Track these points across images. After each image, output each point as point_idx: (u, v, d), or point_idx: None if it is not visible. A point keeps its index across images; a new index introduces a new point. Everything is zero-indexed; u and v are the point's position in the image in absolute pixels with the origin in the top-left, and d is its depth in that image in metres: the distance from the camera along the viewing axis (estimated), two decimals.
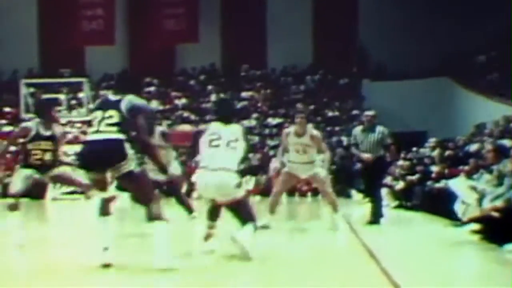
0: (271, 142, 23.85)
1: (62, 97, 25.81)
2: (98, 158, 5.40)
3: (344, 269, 5.83)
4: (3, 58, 27.84)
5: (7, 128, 25.33)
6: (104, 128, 5.41)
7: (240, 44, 27.93)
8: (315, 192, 21.27)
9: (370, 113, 10.73)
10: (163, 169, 5.88)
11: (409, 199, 14.35)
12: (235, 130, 6.59)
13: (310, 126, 9.71)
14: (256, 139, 23.99)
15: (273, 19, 27.87)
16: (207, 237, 6.75)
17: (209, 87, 27.47)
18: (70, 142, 23.59)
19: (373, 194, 10.55)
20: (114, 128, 5.38)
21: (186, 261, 5.95)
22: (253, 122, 25.56)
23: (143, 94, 27.67)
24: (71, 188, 19.29)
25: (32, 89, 25.59)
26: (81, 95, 25.40)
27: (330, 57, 27.04)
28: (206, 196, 6.60)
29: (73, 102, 26.19)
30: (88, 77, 26.18)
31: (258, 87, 27.18)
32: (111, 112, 5.46)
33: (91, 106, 24.73)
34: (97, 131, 5.43)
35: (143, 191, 5.51)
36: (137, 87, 5.78)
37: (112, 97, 5.63)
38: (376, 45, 25.64)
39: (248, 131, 23.40)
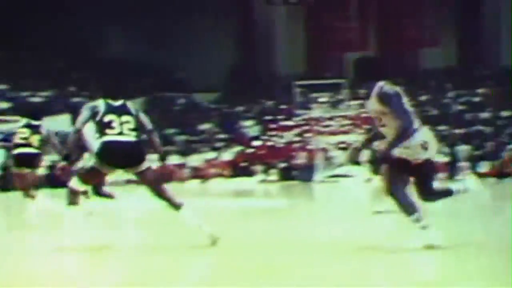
0: (505, 131, 27.95)
1: (326, 96, 31.96)
2: (126, 158, 5.90)
3: None
4: (279, 65, 34.92)
5: (284, 122, 31.96)
6: (127, 132, 5.89)
7: (474, 47, 32.13)
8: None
9: None
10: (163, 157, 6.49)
11: None
12: None
13: None
14: (488, 129, 28.26)
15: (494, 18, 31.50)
16: None
17: (447, 85, 31.94)
18: (332, 133, 29.52)
19: None
20: (134, 133, 5.90)
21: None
22: (486, 115, 29.72)
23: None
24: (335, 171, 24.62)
25: (301, 89, 31.93)
26: (341, 94, 31.42)
27: None
28: None
29: (334, 100, 32.25)
30: (347, 79, 31.57)
31: (489, 85, 31.21)
32: (127, 118, 5.95)
33: (350, 103, 30.43)
34: (121, 133, 5.87)
35: (161, 182, 6.07)
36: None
37: (112, 102, 5.99)
38: None
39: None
